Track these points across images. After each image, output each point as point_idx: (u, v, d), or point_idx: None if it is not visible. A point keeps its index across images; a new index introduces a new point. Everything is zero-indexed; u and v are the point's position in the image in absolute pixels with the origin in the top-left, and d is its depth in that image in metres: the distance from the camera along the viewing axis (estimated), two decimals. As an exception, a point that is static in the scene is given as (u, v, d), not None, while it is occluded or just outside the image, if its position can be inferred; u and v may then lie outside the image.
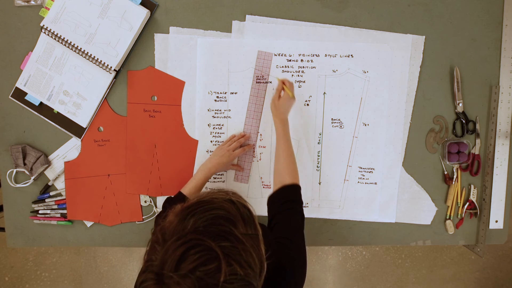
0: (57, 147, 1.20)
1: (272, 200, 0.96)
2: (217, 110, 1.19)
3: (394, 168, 1.22)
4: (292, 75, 1.17)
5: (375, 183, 1.22)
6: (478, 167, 1.23)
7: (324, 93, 1.19)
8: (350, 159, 1.21)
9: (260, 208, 1.22)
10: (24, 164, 1.18)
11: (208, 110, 1.19)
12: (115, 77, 1.16)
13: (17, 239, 1.24)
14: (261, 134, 1.20)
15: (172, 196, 1.08)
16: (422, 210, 1.24)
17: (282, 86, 1.08)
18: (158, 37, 1.15)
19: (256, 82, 1.17)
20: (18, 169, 1.19)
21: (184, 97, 1.18)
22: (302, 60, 1.17)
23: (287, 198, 0.93)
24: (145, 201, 1.22)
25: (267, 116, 1.19)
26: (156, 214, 1.19)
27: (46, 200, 1.21)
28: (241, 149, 1.15)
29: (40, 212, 1.21)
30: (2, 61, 1.16)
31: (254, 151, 1.20)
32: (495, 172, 1.21)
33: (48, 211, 1.21)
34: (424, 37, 1.17)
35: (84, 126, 1.18)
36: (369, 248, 2.27)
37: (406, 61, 1.18)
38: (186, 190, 1.06)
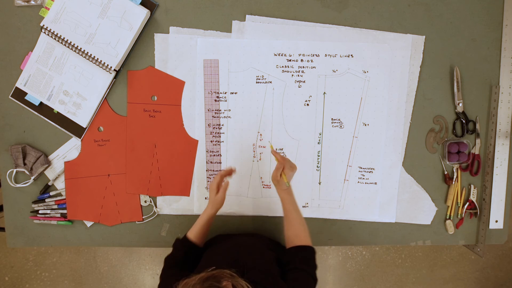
0: (57, 147, 1.20)
1: (291, 253, 0.95)
2: (217, 110, 1.19)
3: (394, 168, 1.22)
4: (292, 75, 1.17)
5: (375, 183, 1.22)
6: (478, 167, 1.23)
7: (324, 93, 1.19)
8: (350, 159, 1.21)
9: (260, 208, 1.23)
10: (24, 164, 1.18)
11: (208, 110, 1.19)
12: (115, 77, 1.16)
13: (17, 239, 1.24)
14: (261, 134, 1.20)
15: (180, 237, 1.05)
16: (422, 210, 1.24)
17: (281, 167, 1.00)
18: (158, 37, 1.15)
19: (256, 82, 1.18)
20: (18, 169, 1.19)
21: (184, 97, 1.18)
22: (302, 60, 1.17)
23: (304, 258, 0.93)
24: (145, 201, 1.22)
25: (267, 116, 1.19)
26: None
27: (46, 200, 1.21)
28: (218, 175, 1.06)
29: (40, 212, 1.21)
30: (2, 61, 1.16)
31: (254, 151, 1.20)
32: (495, 172, 1.21)
33: (48, 211, 1.21)
34: (424, 37, 1.17)
35: (84, 126, 1.18)
36: (369, 248, 2.27)
37: (406, 61, 1.18)
38: (192, 233, 1.04)
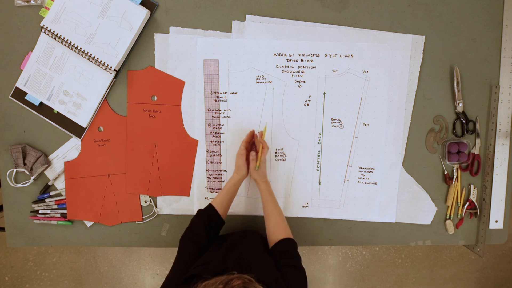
0: (57, 147, 1.20)
1: (276, 250, 0.98)
2: (217, 110, 1.19)
3: (394, 168, 1.22)
4: (292, 75, 1.17)
5: (375, 183, 1.22)
6: (478, 167, 1.23)
7: (324, 93, 1.19)
8: (350, 159, 1.21)
9: (259, 208, 1.22)
10: (24, 164, 1.18)
11: (208, 110, 1.19)
12: (115, 77, 1.16)
13: (17, 239, 1.24)
14: (261, 134, 1.20)
15: (202, 208, 1.07)
16: (422, 210, 1.24)
17: (259, 155, 1.08)
18: (158, 37, 1.15)
19: (256, 82, 1.18)
20: (18, 169, 1.19)
21: (184, 97, 1.18)
22: (302, 60, 1.17)
23: (288, 252, 0.97)
24: (145, 201, 1.22)
25: (267, 116, 1.19)
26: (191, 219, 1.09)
27: (46, 200, 1.21)
28: (242, 142, 1.12)
29: (40, 212, 1.21)
30: (2, 61, 1.16)
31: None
32: (495, 172, 1.21)
33: (48, 211, 1.21)
34: (424, 37, 1.17)
35: (84, 126, 1.18)
36: (369, 248, 2.27)
37: (406, 61, 1.18)
38: (215, 201, 1.07)
